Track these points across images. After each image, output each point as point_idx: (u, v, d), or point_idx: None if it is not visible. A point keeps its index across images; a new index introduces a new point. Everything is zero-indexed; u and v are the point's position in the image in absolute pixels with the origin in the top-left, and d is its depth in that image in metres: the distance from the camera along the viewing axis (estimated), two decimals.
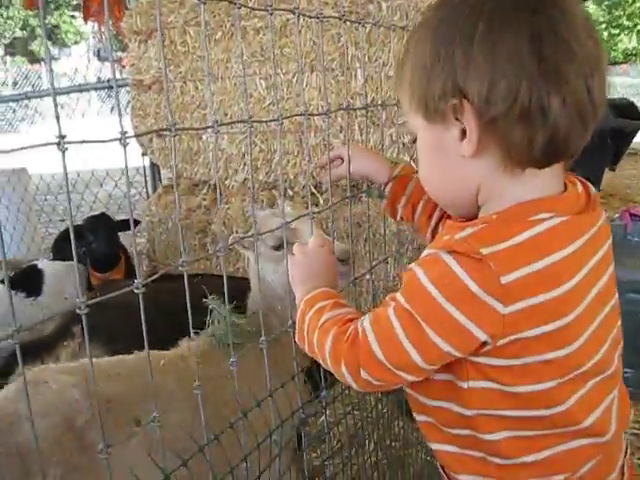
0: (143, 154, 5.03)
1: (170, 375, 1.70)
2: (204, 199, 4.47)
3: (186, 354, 1.78)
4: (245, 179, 4.24)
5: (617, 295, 1.10)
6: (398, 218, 1.52)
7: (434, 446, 1.14)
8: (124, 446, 1.46)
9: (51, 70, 0.88)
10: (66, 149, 0.80)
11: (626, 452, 1.14)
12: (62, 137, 0.79)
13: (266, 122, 1.19)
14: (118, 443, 1.20)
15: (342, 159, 1.54)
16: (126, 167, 0.99)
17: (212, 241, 4.25)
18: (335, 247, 1.42)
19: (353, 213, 3.68)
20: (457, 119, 0.97)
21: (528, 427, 1.02)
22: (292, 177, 4.04)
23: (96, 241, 4.15)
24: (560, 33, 0.91)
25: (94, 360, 1.69)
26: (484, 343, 0.95)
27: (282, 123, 1.27)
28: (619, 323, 1.11)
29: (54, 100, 0.83)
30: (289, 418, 1.36)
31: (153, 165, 5.47)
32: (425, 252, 1.00)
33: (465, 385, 1.02)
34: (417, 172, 1.18)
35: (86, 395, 1.53)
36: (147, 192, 5.79)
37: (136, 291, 0.96)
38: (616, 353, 1.10)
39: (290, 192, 4.08)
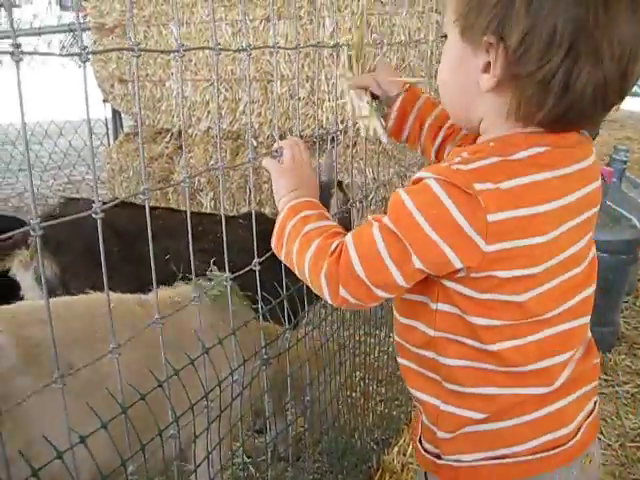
0: (104, 100, 4.91)
1: (120, 320, 1.65)
2: (167, 147, 4.40)
3: (145, 301, 1.73)
4: (209, 128, 4.17)
5: (593, 257, 1.11)
6: (403, 139, 1.50)
7: (400, 360, 1.17)
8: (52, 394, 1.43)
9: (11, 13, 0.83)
10: (21, 59, 0.76)
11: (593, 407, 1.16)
12: (17, 46, 0.75)
13: (234, 51, 1.14)
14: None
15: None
16: (86, 91, 0.95)
17: (174, 190, 4.19)
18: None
19: (317, 165, 3.64)
20: (487, 51, 0.96)
21: (482, 360, 1.04)
22: (257, 126, 3.98)
23: None
24: (610, 9, 0.89)
25: (30, 303, 1.67)
26: (459, 270, 0.97)
27: (250, 54, 1.23)
28: (590, 290, 1.11)
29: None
30: (251, 358, 1.34)
31: (115, 113, 5.35)
32: (417, 175, 0.99)
33: (434, 306, 1.04)
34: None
35: (12, 341, 1.48)
36: (108, 141, 5.68)
37: (95, 216, 0.93)
38: (584, 316, 1.10)
39: (254, 142, 4.03)
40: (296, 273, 1.16)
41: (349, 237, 1.04)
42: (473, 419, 1.07)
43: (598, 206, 1.08)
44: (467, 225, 0.92)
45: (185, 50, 1.03)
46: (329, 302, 1.09)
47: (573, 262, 1.04)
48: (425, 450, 1.17)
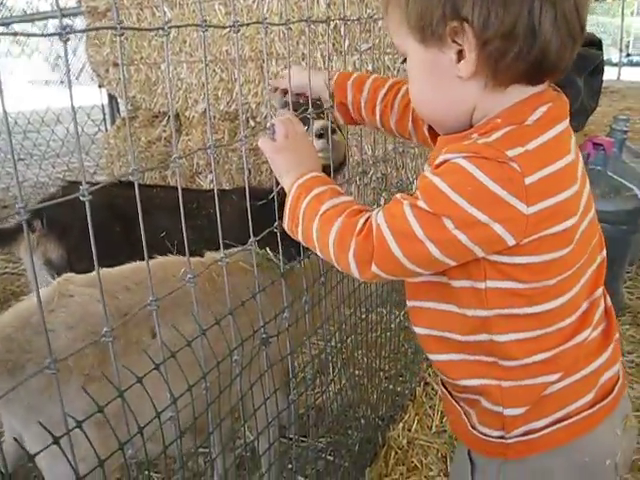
0: (100, 86, 4.88)
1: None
2: (164, 130, 4.37)
3: (208, 261, 1.77)
4: (205, 109, 4.14)
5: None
6: (355, 120, 1.55)
7: (442, 357, 1.17)
8: (139, 358, 1.48)
9: None
10: None
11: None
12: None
13: (222, 27, 1.12)
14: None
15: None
16: (68, 71, 0.93)
17: (173, 172, 4.17)
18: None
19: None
20: (454, 41, 0.99)
21: (534, 327, 1.07)
22: (254, 107, 3.95)
23: None
24: None
25: (109, 271, 1.73)
26: (507, 244, 0.98)
27: (239, 30, 1.21)
28: (598, 229, 1.16)
29: None
30: (249, 338, 1.34)
31: (111, 98, 5.32)
32: (441, 157, 1.00)
33: (482, 285, 1.04)
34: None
35: (108, 309, 1.56)
36: (106, 126, 5.66)
37: (82, 199, 0.92)
38: (600, 255, 1.17)
39: (252, 122, 4.00)
40: (316, 252, 1.16)
41: (380, 216, 1.04)
42: (546, 383, 1.10)
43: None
44: (505, 193, 0.93)
45: (170, 27, 1.01)
46: (356, 277, 1.10)
47: (589, 204, 1.09)
48: (484, 434, 1.17)
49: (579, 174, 1.04)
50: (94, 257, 1.01)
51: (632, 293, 3.74)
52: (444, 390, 1.27)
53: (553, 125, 1.00)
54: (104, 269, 1.78)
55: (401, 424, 2.63)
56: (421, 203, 0.98)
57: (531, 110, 1.00)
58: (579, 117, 6.49)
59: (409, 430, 2.61)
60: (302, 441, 2.10)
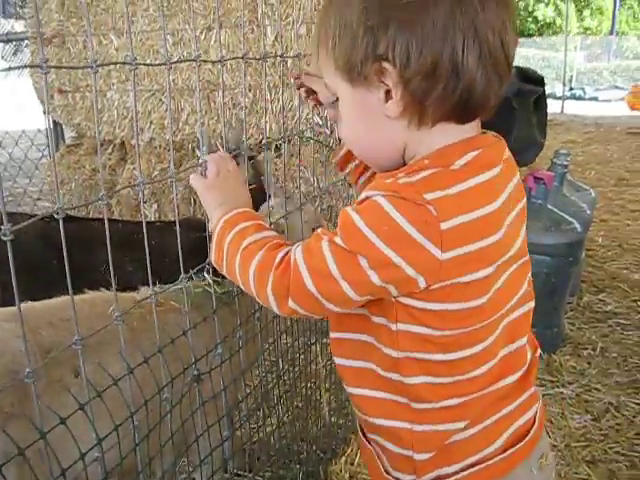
0: (44, 112, 4.81)
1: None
2: (109, 159, 4.32)
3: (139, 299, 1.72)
4: (151, 138, 4.11)
5: (527, 254, 1.14)
6: (346, 172, 1.48)
7: (359, 391, 1.15)
8: (62, 399, 1.42)
9: None
10: None
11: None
12: None
13: (152, 65, 1.12)
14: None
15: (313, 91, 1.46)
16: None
17: (118, 202, 4.12)
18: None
19: (261, 175, 3.63)
20: (381, 81, 0.98)
21: (446, 373, 1.05)
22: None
23: None
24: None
25: (33, 305, 1.67)
26: (419, 285, 0.96)
27: (171, 67, 1.21)
28: (527, 280, 1.14)
29: None
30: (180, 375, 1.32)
31: (55, 124, 5.25)
32: (363, 195, 0.99)
33: (394, 327, 1.03)
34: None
35: (29, 346, 1.49)
36: (50, 152, 5.57)
37: (4, 238, 0.89)
38: (523, 307, 1.14)
39: (198, 152, 3.98)
40: (240, 286, 1.15)
41: (298, 252, 1.03)
42: (454, 430, 1.08)
43: (525, 199, 1.12)
44: (420, 237, 0.92)
45: (98, 66, 1.00)
46: (277, 312, 1.08)
47: (518, 255, 1.07)
48: (396, 479, 1.15)
49: (506, 222, 1.01)
50: (15, 290, 0.98)
51: (573, 324, 3.80)
52: (358, 427, 1.25)
53: (481, 172, 0.98)
54: (29, 303, 1.73)
55: (343, 458, 2.61)
56: (338, 240, 0.97)
57: (460, 154, 0.98)
58: (531, 151, 6.64)
59: (351, 464, 2.59)
60: (243, 476, 2.07)
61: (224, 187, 1.28)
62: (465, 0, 0.93)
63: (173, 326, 1.45)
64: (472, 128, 1.04)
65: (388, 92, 0.98)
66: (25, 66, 1.04)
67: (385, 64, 0.95)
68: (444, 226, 0.92)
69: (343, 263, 0.97)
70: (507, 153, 1.07)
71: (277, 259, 1.05)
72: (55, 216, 1.03)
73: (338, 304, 1.02)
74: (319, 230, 1.04)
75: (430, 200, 0.92)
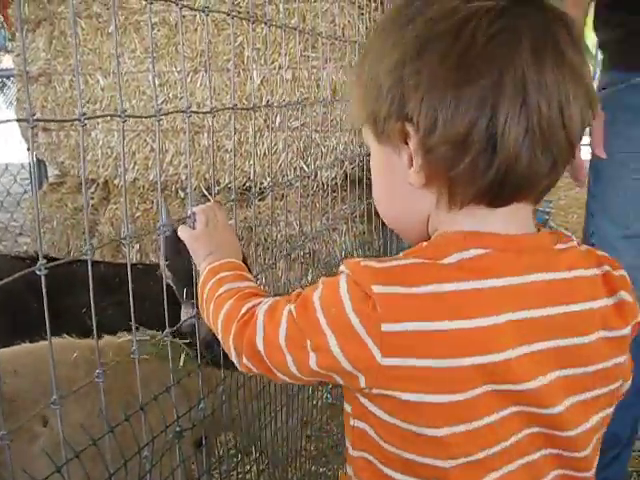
0: (28, 149, 4.80)
1: (81, 369, 1.63)
2: (92, 198, 4.30)
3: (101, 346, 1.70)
4: (135, 179, 4.10)
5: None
6: None
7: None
8: (28, 448, 1.42)
9: None
10: None
11: None
12: None
13: (142, 117, 1.12)
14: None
15: None
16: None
17: (99, 242, 4.09)
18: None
19: (245, 217, 3.63)
20: (406, 143, 0.86)
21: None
22: (184, 178, 3.93)
23: None
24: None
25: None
26: (359, 384, 0.84)
27: (160, 120, 1.21)
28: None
29: None
30: (162, 432, 1.29)
31: (39, 161, 5.23)
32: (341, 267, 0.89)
33: (352, 422, 0.93)
34: None
35: None
36: (33, 189, 5.53)
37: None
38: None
39: (181, 193, 3.98)
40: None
41: (263, 309, 0.96)
42: None
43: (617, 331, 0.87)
44: (362, 330, 0.80)
45: (86, 118, 1.00)
46: (239, 368, 1.03)
47: (537, 394, 0.83)
48: None
49: (521, 348, 0.81)
50: None
51: None
52: None
53: (471, 277, 0.81)
54: None
55: None
56: (294, 309, 0.90)
57: (460, 247, 0.83)
58: None
59: None
60: None
61: (213, 237, 1.27)
62: (517, 61, 0.78)
63: (152, 380, 1.42)
64: (506, 217, 0.87)
65: (412, 157, 0.86)
66: (13, 120, 1.04)
67: (408, 126, 0.84)
68: (385, 328, 0.79)
69: (291, 337, 0.89)
70: (566, 272, 0.86)
71: (242, 310, 1.00)
72: (37, 272, 1.01)
73: (286, 375, 0.94)
74: (297, 292, 0.95)
75: (377, 293, 0.80)
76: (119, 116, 1.10)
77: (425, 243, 0.87)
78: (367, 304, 0.80)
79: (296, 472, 2.41)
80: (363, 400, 0.88)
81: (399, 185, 0.91)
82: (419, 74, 0.81)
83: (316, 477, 2.65)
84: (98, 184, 4.37)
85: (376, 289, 0.80)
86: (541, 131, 0.79)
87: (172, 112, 1.29)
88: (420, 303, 0.79)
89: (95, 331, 1.17)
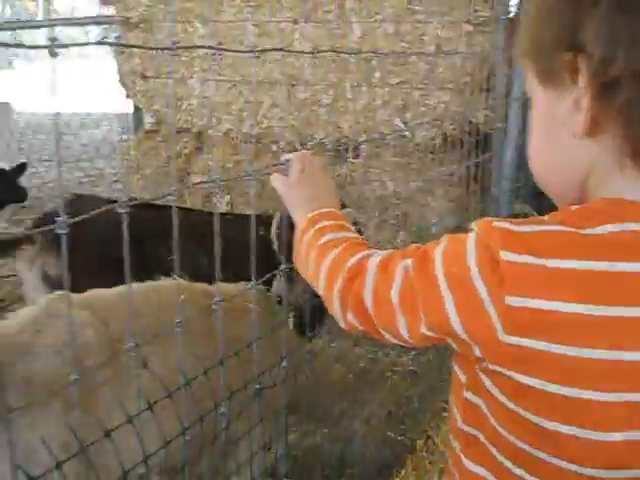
0: (127, 96, 4.86)
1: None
2: (185, 147, 4.32)
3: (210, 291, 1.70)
4: (228, 129, 4.08)
5: None
6: None
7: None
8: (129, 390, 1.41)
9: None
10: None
11: None
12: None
13: (239, 52, 1.04)
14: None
15: None
16: (53, 86, 0.86)
17: (190, 193, 4.10)
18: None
19: (337, 175, 3.54)
20: (575, 82, 0.72)
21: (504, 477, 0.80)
22: (277, 131, 3.88)
23: None
24: None
25: (104, 292, 1.67)
26: (474, 353, 0.76)
27: (259, 57, 1.13)
28: None
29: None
30: (241, 389, 1.25)
31: (137, 109, 5.31)
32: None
33: (465, 394, 0.85)
34: None
35: (98, 336, 1.55)
36: (130, 135, 5.63)
37: (59, 231, 0.90)
38: None
39: (274, 147, 3.93)
40: (316, 290, 1.01)
41: (374, 262, 0.88)
42: None
43: None
44: (488, 299, 0.70)
45: (178, 47, 0.93)
46: (341, 325, 0.95)
47: None
48: None
49: None
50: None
51: None
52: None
53: (620, 258, 0.68)
54: (100, 291, 1.71)
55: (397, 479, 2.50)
56: (412, 263, 0.81)
57: (615, 219, 0.70)
58: None
59: None
60: None
61: (309, 184, 1.18)
62: None
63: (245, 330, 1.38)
64: None
65: (578, 101, 0.73)
66: (153, 47, 0.98)
67: (580, 58, 0.70)
68: (510, 301, 0.69)
69: (405, 297, 0.80)
70: None
71: (352, 260, 0.91)
72: (119, 210, 0.96)
73: (396, 337, 0.85)
74: (413, 246, 0.86)
75: (506, 262, 0.70)
76: (215, 48, 1.02)
77: (574, 207, 0.74)
78: (495, 272, 0.70)
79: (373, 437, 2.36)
80: (481, 375, 0.78)
81: (560, 136, 0.78)
82: None
83: (393, 443, 2.59)
84: (192, 134, 4.38)
85: (504, 256, 0.70)
86: None
87: (270, 50, 1.21)
88: (554, 278, 0.68)
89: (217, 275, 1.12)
